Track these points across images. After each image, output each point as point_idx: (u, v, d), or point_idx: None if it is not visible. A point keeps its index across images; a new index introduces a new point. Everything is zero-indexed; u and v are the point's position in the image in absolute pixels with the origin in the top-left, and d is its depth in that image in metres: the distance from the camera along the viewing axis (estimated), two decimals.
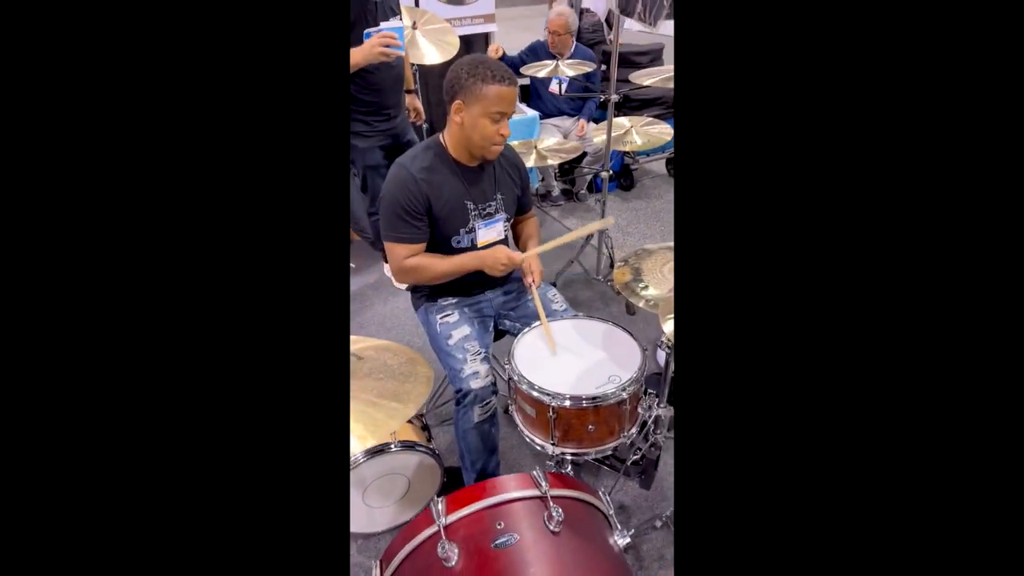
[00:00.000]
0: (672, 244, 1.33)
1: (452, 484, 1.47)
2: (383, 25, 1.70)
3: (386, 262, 2.53)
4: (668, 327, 0.90)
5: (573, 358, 1.18)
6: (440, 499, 0.95)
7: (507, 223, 1.39)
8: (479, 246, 1.34)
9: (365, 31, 1.68)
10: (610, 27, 3.46)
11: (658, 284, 1.18)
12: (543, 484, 0.96)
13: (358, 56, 1.66)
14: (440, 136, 1.30)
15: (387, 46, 1.64)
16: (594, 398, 1.05)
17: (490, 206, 1.34)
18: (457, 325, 1.34)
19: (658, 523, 1.36)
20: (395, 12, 1.85)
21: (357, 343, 1.08)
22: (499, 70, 1.16)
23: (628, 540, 1.01)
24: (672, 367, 1.31)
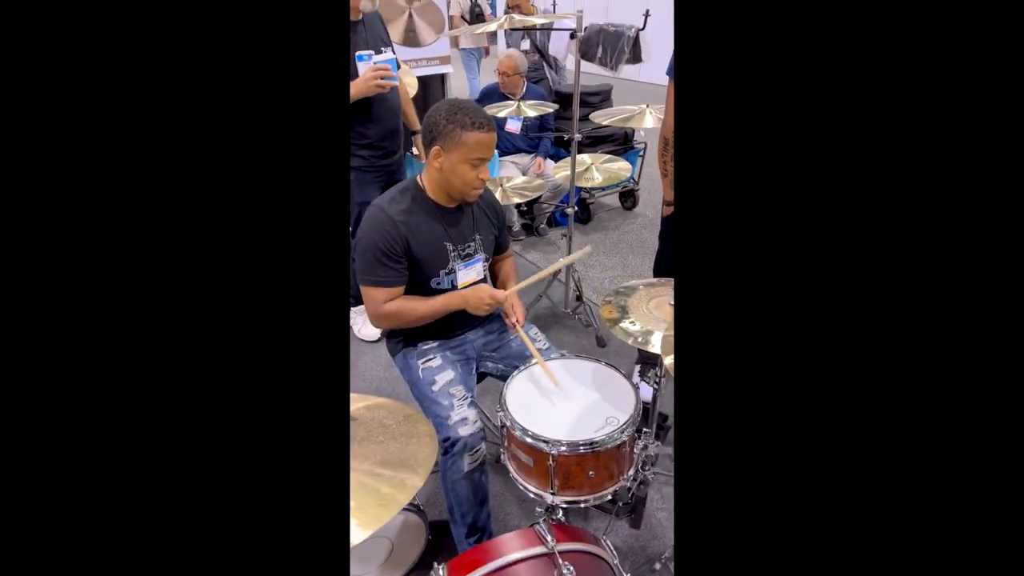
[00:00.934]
0: (651, 280, 1.35)
1: (438, 541, 1.38)
2: (376, 58, 1.72)
3: (352, 307, 2.42)
4: (669, 361, 0.90)
5: (566, 401, 1.15)
6: (441, 566, 0.88)
7: (486, 263, 1.37)
8: (460, 287, 1.31)
9: (356, 54, 1.70)
10: (549, 66, 3.61)
11: (645, 321, 1.19)
12: (549, 539, 0.91)
13: (352, 89, 1.67)
14: (417, 178, 1.28)
15: (382, 78, 1.68)
16: (593, 443, 1.02)
17: (469, 247, 1.31)
18: (440, 370, 1.28)
19: (657, 565, 1.33)
20: (387, 44, 1.85)
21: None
22: (478, 116, 1.16)
23: None
24: (659, 400, 1.31)
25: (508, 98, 2.80)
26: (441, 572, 0.88)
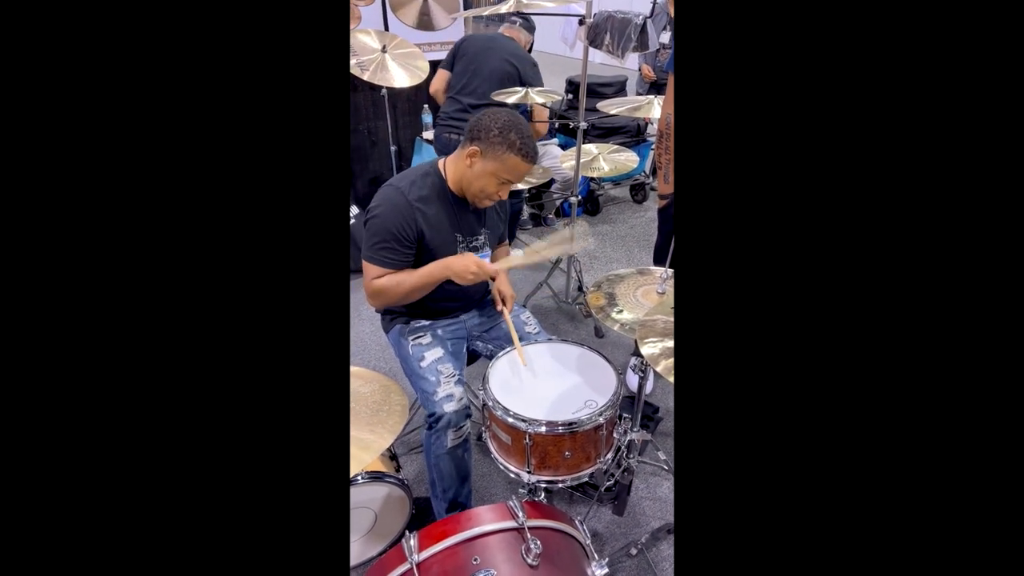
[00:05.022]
0: (642, 268, 1.35)
1: (422, 516, 1.41)
2: None
3: None
4: (646, 350, 0.90)
5: (548, 383, 1.16)
6: (412, 534, 0.90)
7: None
8: None
9: None
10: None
11: (632, 308, 1.19)
12: (520, 515, 0.92)
13: None
14: (440, 164, 1.28)
15: None
16: (571, 423, 1.04)
17: (477, 240, 1.33)
18: (430, 347, 1.30)
19: (633, 551, 1.34)
20: None
21: None
22: (527, 145, 1.17)
23: (606, 571, 0.98)
24: (645, 389, 1.31)
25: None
26: (413, 541, 0.90)
